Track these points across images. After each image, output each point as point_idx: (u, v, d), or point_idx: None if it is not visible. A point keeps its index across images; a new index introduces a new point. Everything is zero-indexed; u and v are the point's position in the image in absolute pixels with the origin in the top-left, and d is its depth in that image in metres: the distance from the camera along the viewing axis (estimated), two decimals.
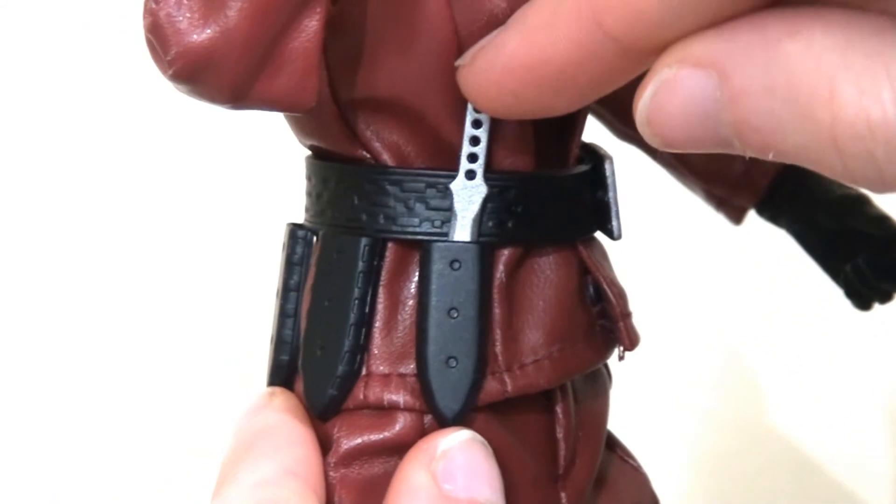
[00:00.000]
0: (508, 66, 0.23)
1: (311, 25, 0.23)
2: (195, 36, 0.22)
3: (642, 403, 0.60)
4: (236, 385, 0.59)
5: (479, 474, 0.24)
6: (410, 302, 0.26)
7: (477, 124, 0.26)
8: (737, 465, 0.65)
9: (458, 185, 0.26)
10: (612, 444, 0.31)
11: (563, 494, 0.28)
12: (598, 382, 0.30)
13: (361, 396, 0.26)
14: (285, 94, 0.23)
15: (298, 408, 0.27)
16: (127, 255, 0.65)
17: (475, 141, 0.26)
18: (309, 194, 0.28)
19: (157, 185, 0.65)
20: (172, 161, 0.65)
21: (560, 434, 0.28)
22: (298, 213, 0.29)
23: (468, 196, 0.26)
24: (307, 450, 0.25)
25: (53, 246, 0.65)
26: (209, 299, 0.65)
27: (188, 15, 0.22)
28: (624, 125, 0.35)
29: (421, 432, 0.26)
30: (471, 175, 0.26)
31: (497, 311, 0.26)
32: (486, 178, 0.26)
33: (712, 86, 0.20)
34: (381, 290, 0.26)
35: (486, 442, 0.25)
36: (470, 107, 0.25)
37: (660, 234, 0.62)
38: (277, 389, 0.27)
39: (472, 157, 0.26)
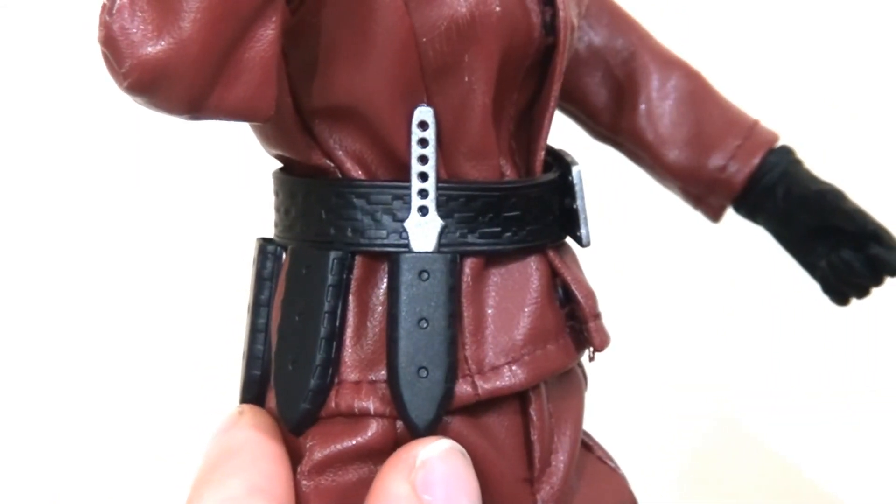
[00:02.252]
0: None
1: (267, 35, 0.23)
2: (149, 48, 0.22)
3: (623, 406, 0.60)
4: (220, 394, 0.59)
5: (459, 485, 0.24)
6: (379, 309, 0.26)
7: (423, 160, 0.25)
8: (722, 467, 0.65)
9: (413, 223, 0.26)
10: (590, 445, 0.31)
11: (538, 497, 0.28)
12: (573, 384, 0.30)
13: (333, 405, 0.26)
14: (242, 104, 0.23)
15: (268, 424, 0.27)
16: (107, 264, 0.65)
17: (423, 176, 0.25)
18: (277, 209, 0.28)
19: (130, 197, 0.65)
20: (148, 172, 0.65)
21: (534, 436, 0.27)
22: (269, 226, 0.29)
23: (423, 233, 0.26)
24: (275, 465, 0.25)
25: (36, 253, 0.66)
26: (192, 306, 0.65)
27: (142, 27, 0.22)
28: (599, 125, 0.35)
29: (393, 437, 0.26)
30: (423, 211, 0.26)
31: (466, 316, 0.26)
32: (444, 194, 0.26)
33: None
34: (350, 299, 0.26)
35: (465, 451, 0.25)
36: (414, 126, 0.25)
37: (638, 234, 0.62)
38: (246, 407, 0.27)
39: (423, 193, 0.26)
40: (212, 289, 0.64)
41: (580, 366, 0.31)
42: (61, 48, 0.64)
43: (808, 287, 0.34)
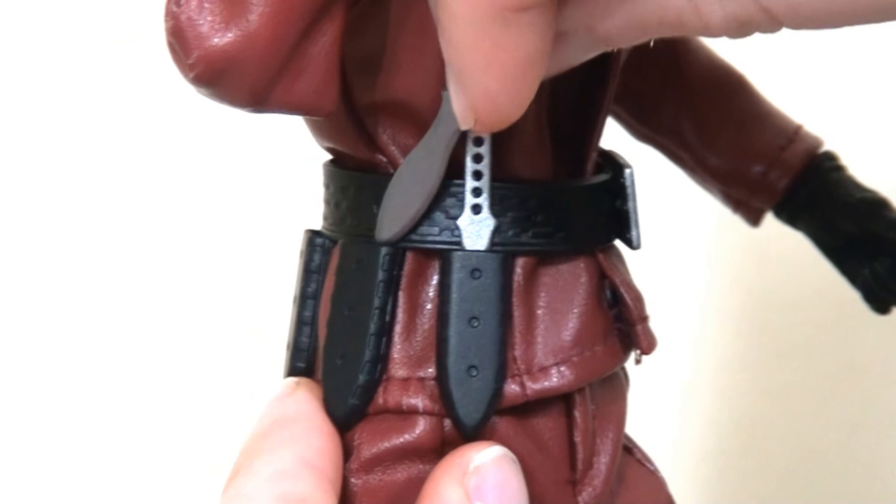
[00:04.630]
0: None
1: (332, 29, 0.23)
2: (216, 39, 0.22)
3: (645, 406, 0.60)
4: (239, 392, 0.59)
5: (510, 492, 0.25)
6: (429, 306, 0.26)
7: (478, 158, 0.25)
8: (737, 466, 0.65)
9: (465, 221, 0.25)
10: (630, 447, 0.31)
11: (579, 499, 0.28)
12: (616, 386, 0.30)
13: (381, 401, 0.26)
14: (306, 98, 0.23)
15: (321, 399, 0.27)
16: (142, 263, 0.65)
17: (478, 175, 0.25)
18: (327, 202, 0.28)
19: (166, 187, 0.65)
20: (187, 163, 0.65)
21: (578, 438, 0.27)
22: (313, 218, 0.29)
23: (476, 230, 0.25)
24: (325, 440, 0.25)
25: (58, 253, 0.65)
26: (220, 304, 0.65)
27: (210, 18, 0.22)
28: (642, 125, 0.35)
29: (441, 436, 0.26)
30: (477, 209, 0.26)
31: (516, 316, 0.26)
32: (498, 193, 0.25)
33: None
34: (400, 295, 0.26)
35: (515, 458, 0.25)
36: (469, 142, 0.25)
37: (660, 236, 0.62)
38: (303, 380, 0.27)
39: (477, 192, 0.25)
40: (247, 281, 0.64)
41: (623, 368, 0.31)
42: (62, 48, 0.64)
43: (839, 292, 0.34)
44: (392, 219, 0.25)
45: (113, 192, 0.64)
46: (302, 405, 0.26)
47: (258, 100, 0.23)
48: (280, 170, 0.63)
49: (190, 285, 0.64)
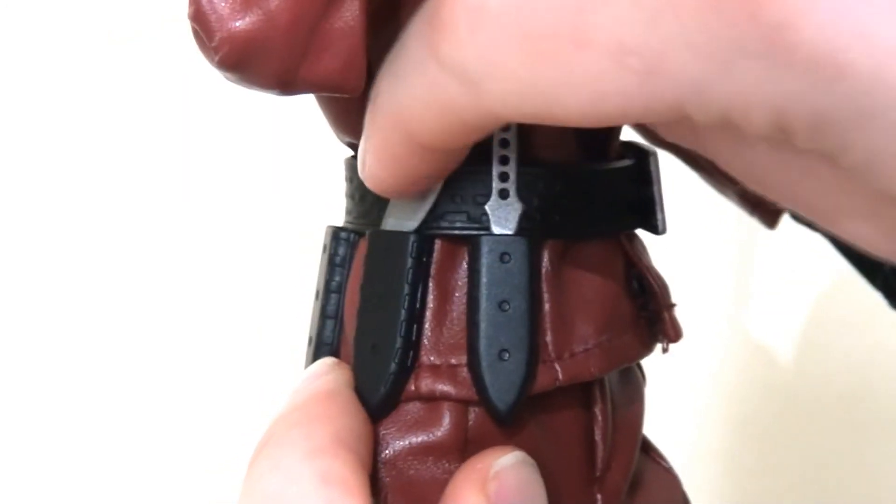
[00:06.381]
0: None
1: (354, 4, 0.22)
2: (238, 22, 0.22)
3: (660, 403, 0.60)
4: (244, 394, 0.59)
5: (530, 496, 0.25)
6: (459, 293, 0.26)
7: (504, 143, 0.25)
8: (737, 466, 0.65)
9: (493, 206, 0.25)
10: (646, 446, 0.31)
11: (599, 497, 0.28)
12: (634, 385, 0.30)
13: (413, 388, 0.25)
14: (333, 75, 0.23)
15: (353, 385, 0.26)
16: (143, 262, 0.65)
17: (504, 160, 0.25)
18: (351, 196, 0.28)
19: (167, 186, 0.65)
20: (188, 162, 0.65)
21: (598, 436, 0.27)
22: (314, 217, 0.28)
23: (504, 214, 0.25)
24: (360, 424, 0.25)
25: (64, 253, 0.65)
26: (228, 303, 0.65)
27: (230, 1, 0.22)
28: (658, 128, 0.34)
29: (464, 433, 0.26)
30: (504, 194, 0.25)
31: (547, 301, 0.26)
32: (525, 177, 0.25)
33: None
34: (430, 283, 0.26)
35: (534, 463, 0.25)
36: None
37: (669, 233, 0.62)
38: (339, 362, 0.27)
39: (504, 176, 0.25)
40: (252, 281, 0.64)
41: (639, 366, 0.30)
42: (61, 48, 0.64)
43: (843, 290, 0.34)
44: (412, 208, 0.26)
45: (114, 191, 0.64)
46: (339, 385, 0.26)
47: (285, 80, 0.22)
48: (281, 168, 0.63)
49: (192, 284, 0.64)
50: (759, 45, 0.16)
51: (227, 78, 0.22)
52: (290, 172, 0.61)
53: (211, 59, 0.22)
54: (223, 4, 0.22)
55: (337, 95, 0.24)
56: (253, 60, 0.22)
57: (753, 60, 0.16)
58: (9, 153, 0.64)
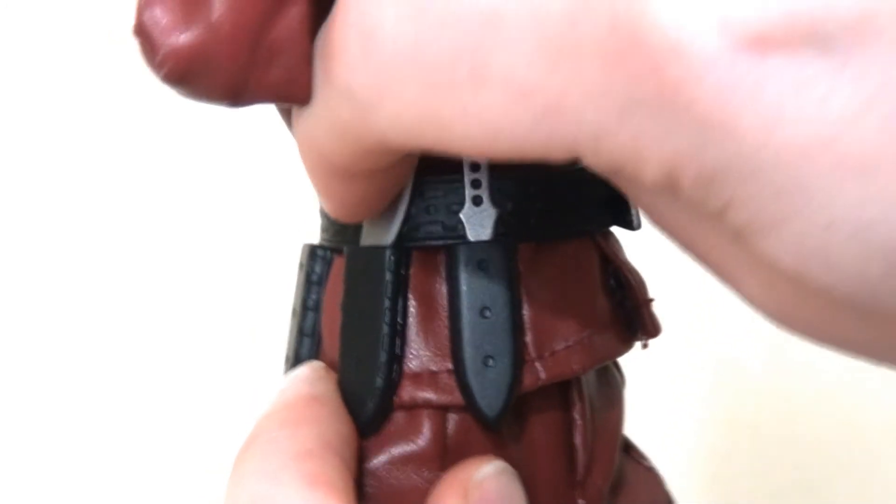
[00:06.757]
0: None
1: (295, 12, 0.22)
2: (181, 36, 0.21)
3: (641, 404, 0.60)
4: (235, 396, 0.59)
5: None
6: (440, 302, 0.26)
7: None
8: (736, 465, 0.65)
9: (468, 213, 0.25)
10: (626, 446, 0.31)
11: (580, 501, 0.27)
12: (612, 387, 0.29)
13: (398, 400, 0.25)
14: (282, 84, 0.22)
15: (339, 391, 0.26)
16: (139, 263, 0.65)
17: (475, 167, 0.25)
18: (325, 215, 0.28)
19: (164, 187, 0.65)
20: (186, 163, 0.65)
21: (578, 441, 0.27)
22: (309, 221, 0.28)
23: (479, 221, 0.25)
24: (348, 429, 0.25)
25: (53, 257, 0.66)
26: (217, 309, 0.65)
27: (170, 15, 0.21)
28: None
29: (444, 438, 0.26)
30: (477, 201, 0.25)
31: (525, 302, 0.26)
32: (497, 182, 0.25)
33: None
34: (410, 295, 0.26)
35: (514, 471, 0.25)
36: None
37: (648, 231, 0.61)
38: (325, 366, 0.27)
39: (476, 183, 0.25)
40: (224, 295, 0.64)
41: (617, 366, 0.30)
42: (61, 48, 0.64)
43: None
44: (386, 223, 0.25)
45: (112, 191, 0.64)
46: (327, 390, 0.26)
47: (235, 92, 0.22)
48: (276, 171, 0.63)
49: (186, 285, 0.64)
50: (658, 98, 0.16)
51: (177, 92, 0.22)
52: (286, 174, 0.60)
53: (157, 74, 0.22)
54: (165, 19, 0.21)
55: (287, 106, 0.24)
56: (199, 74, 0.21)
57: (650, 112, 0.16)
58: (8, 153, 0.65)
